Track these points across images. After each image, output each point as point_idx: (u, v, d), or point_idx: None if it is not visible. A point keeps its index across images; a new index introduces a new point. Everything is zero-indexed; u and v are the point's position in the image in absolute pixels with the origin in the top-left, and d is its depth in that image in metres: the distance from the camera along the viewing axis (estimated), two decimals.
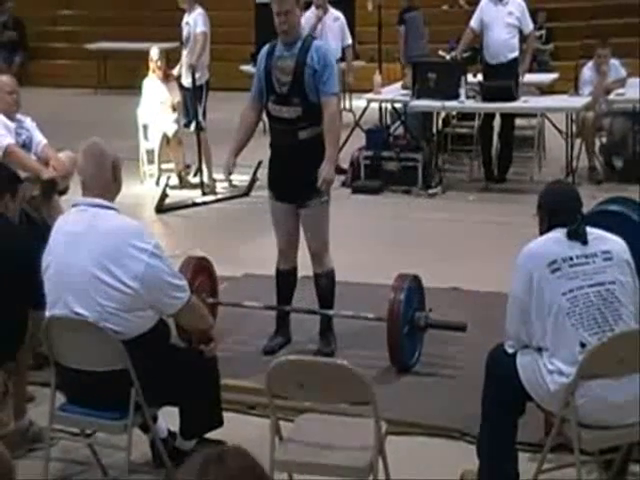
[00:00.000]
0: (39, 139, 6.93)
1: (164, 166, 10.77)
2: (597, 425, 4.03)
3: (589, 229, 4.19)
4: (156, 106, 10.61)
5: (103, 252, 4.21)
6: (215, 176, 10.40)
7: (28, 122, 6.96)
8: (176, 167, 10.73)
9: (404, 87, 11.01)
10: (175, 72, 10.76)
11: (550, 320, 4.06)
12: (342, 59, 11.34)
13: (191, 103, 10.36)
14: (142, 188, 10.64)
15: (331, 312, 6.11)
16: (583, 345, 4.01)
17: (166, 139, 10.57)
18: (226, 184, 10.01)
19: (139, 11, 19.24)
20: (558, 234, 4.18)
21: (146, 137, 10.77)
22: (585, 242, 4.14)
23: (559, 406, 4.03)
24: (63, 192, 6.69)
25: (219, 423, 4.70)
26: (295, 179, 5.83)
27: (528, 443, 4.61)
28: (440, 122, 11.02)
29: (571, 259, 4.10)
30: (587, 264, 4.10)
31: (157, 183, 10.60)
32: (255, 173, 10.13)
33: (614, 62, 10.69)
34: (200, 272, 6.14)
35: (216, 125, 10.92)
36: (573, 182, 9.23)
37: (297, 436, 4.06)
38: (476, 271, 7.41)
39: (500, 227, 8.76)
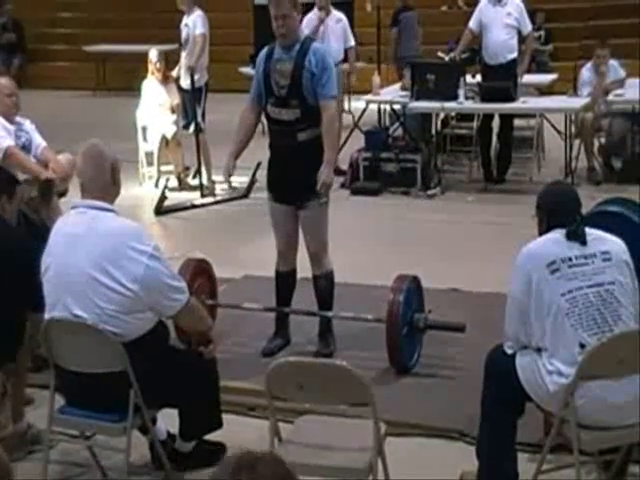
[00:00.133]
0: (38, 141, 6.93)
1: (163, 168, 10.77)
2: (596, 426, 4.03)
3: (588, 230, 4.19)
4: (155, 108, 10.61)
5: (102, 254, 4.21)
6: (214, 178, 10.40)
7: (27, 124, 6.97)
8: (175, 169, 10.74)
9: (403, 88, 11.01)
10: (174, 74, 10.76)
11: (549, 321, 4.06)
12: (345, 60, 11.36)
13: (190, 105, 10.36)
14: (141, 190, 10.65)
15: (330, 313, 6.11)
16: (582, 346, 4.01)
17: (165, 141, 10.57)
18: (225, 186, 9.99)
19: (138, 13, 19.25)
20: (557, 235, 4.18)
21: (145, 139, 10.77)
22: (584, 243, 4.14)
23: (558, 407, 4.03)
24: (62, 194, 6.69)
25: (218, 425, 4.70)
26: (294, 181, 5.83)
27: (527, 443, 4.61)
28: (439, 123, 11.02)
29: (570, 260, 4.10)
30: (586, 265, 4.10)
31: (156, 185, 10.60)
32: (254, 175, 10.12)
33: (613, 63, 10.69)
34: (199, 274, 6.14)
35: (215, 127, 10.92)
36: (572, 183, 9.23)
37: (296, 437, 4.06)
38: (475, 272, 7.41)
39: (499, 228, 8.76)
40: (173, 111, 10.62)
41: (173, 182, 10.62)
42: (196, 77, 10.16)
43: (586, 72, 10.68)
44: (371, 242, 8.53)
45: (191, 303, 4.46)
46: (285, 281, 6.16)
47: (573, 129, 10.46)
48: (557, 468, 4.32)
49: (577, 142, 10.51)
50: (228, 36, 16.36)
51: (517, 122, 11.00)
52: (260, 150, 6.41)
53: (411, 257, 7.62)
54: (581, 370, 3.95)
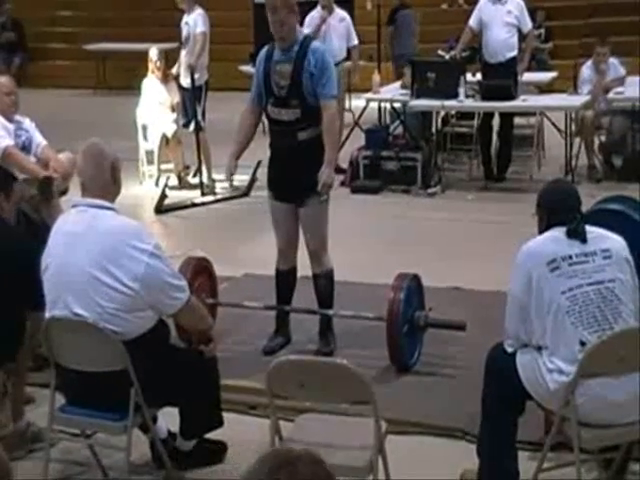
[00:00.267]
0: (39, 140, 6.93)
1: (163, 167, 10.77)
2: (597, 424, 4.03)
3: (588, 227, 4.19)
4: (155, 107, 10.60)
5: (102, 253, 4.21)
6: (214, 176, 10.41)
7: (27, 123, 6.97)
8: (175, 167, 10.74)
9: (403, 86, 11.01)
10: (174, 71, 10.75)
11: (550, 319, 4.06)
12: (347, 59, 11.37)
13: (190, 103, 10.36)
14: (141, 189, 10.65)
15: (331, 312, 6.11)
16: (583, 344, 4.01)
17: (165, 139, 10.57)
18: (226, 184, 10.00)
19: (138, 11, 19.23)
20: (557, 233, 4.18)
21: (145, 138, 10.77)
22: (584, 240, 4.14)
23: (559, 405, 4.03)
24: (63, 193, 6.69)
25: (219, 423, 4.70)
26: (295, 179, 5.84)
27: (528, 442, 4.61)
28: (439, 121, 11.01)
29: (570, 258, 4.10)
30: (586, 262, 4.10)
31: (156, 184, 10.60)
32: (254, 173, 10.13)
33: (613, 61, 10.69)
34: (200, 272, 6.15)
35: (215, 125, 10.92)
36: (572, 181, 9.23)
37: (297, 436, 4.06)
38: (475, 270, 7.41)
39: (499, 226, 8.76)
40: (173, 110, 10.62)
41: (173, 181, 10.62)
42: (196, 76, 10.16)
43: (586, 70, 10.68)
44: (371, 240, 8.53)
45: (192, 301, 4.46)
46: (285, 279, 6.16)
47: (573, 127, 10.46)
48: (558, 466, 4.32)
49: (577, 140, 10.51)
50: (228, 34, 16.35)
51: (517, 120, 11.00)
52: (260, 149, 6.42)
53: (411, 255, 7.61)
54: (581, 368, 3.95)
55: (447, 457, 4.84)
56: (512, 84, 10.09)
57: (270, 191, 6.06)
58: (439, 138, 10.92)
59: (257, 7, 13.02)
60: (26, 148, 6.85)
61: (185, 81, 10.37)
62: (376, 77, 11.31)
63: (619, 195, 6.08)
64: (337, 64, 10.91)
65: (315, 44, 5.85)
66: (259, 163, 9.30)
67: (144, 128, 10.75)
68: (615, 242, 4.21)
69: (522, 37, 10.58)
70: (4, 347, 4.71)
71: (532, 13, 11.81)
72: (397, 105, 11.01)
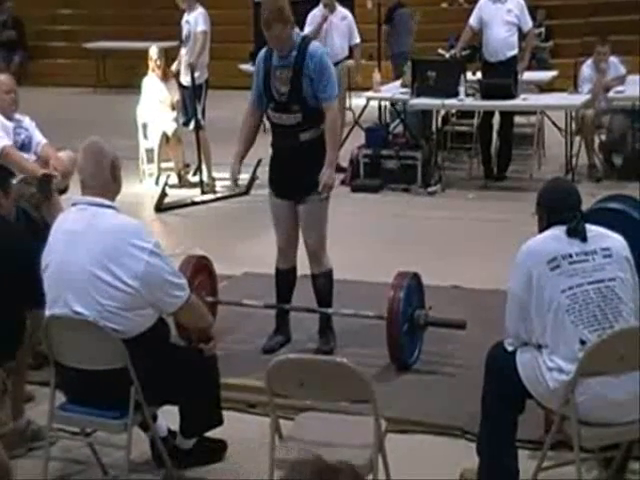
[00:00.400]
0: (39, 139, 6.93)
1: (163, 165, 10.77)
2: (597, 422, 4.03)
3: (588, 226, 4.18)
4: (155, 105, 10.60)
5: (103, 251, 4.21)
6: (214, 175, 10.41)
7: (27, 121, 6.96)
8: (175, 166, 10.74)
9: (403, 85, 11.01)
10: (173, 68, 10.75)
11: (550, 317, 4.05)
12: (349, 57, 11.37)
13: (190, 102, 10.36)
14: (141, 187, 10.65)
15: (331, 310, 6.11)
16: (583, 342, 4.01)
17: (165, 138, 10.57)
18: (225, 183, 10.00)
19: (138, 10, 19.24)
20: (557, 231, 4.17)
21: (145, 136, 10.77)
22: (584, 239, 4.14)
23: (559, 403, 4.03)
24: (63, 191, 6.69)
25: (219, 422, 4.70)
26: (296, 179, 5.85)
27: (528, 440, 4.61)
28: (439, 120, 11.01)
29: (570, 256, 4.09)
30: (587, 261, 4.10)
31: (156, 182, 10.60)
32: (255, 172, 10.13)
33: (613, 59, 10.69)
34: (200, 271, 6.14)
35: (215, 124, 10.93)
36: (572, 180, 9.23)
37: (297, 434, 4.07)
38: (475, 269, 7.41)
39: (499, 225, 8.76)
40: (173, 108, 10.62)
41: (173, 179, 10.63)
42: (196, 74, 10.16)
43: (586, 69, 10.67)
44: (371, 239, 8.54)
45: (192, 300, 4.46)
46: (285, 279, 6.16)
47: (573, 126, 10.46)
48: (557, 465, 4.32)
49: (577, 139, 10.51)
50: (228, 33, 16.35)
51: (517, 119, 10.99)
52: (261, 147, 6.41)
53: (411, 254, 7.61)
54: (581, 367, 3.95)
55: (447, 456, 4.83)
56: (512, 83, 10.09)
57: (271, 189, 6.06)
58: (439, 137, 10.92)
59: (257, 6, 12.99)
60: (26, 146, 6.85)
61: (185, 79, 10.37)
62: (376, 76, 11.30)
63: (619, 194, 6.08)
64: (338, 63, 10.97)
65: (313, 47, 5.80)
66: (259, 161, 9.30)
67: (144, 126, 10.75)
68: (615, 241, 4.21)
69: (522, 36, 10.58)
70: (4, 345, 4.70)
71: (532, 12, 11.82)
72: (397, 104, 11.00)
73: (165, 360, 4.40)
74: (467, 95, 10.19)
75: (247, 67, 12.98)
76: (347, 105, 12.51)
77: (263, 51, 5.91)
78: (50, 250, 4.37)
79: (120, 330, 4.22)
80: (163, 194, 9.90)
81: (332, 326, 6.14)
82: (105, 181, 4.39)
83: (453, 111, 11.20)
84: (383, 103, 11.44)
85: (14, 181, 5.56)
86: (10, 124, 6.78)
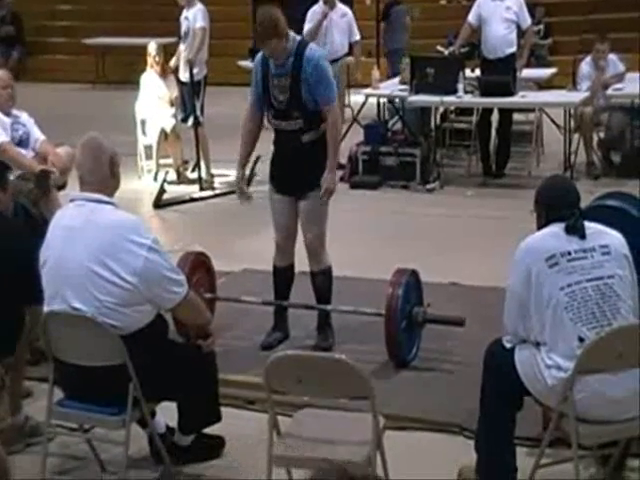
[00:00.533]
0: (37, 135, 6.93)
1: (162, 161, 10.76)
2: (595, 420, 4.03)
3: (587, 223, 4.18)
4: (154, 101, 10.59)
5: (101, 247, 4.21)
6: (213, 171, 10.40)
7: (25, 117, 6.96)
8: (174, 162, 10.73)
9: (402, 82, 11.00)
10: (171, 64, 10.74)
11: (548, 314, 4.05)
12: (349, 54, 11.37)
13: (189, 98, 10.35)
14: (140, 183, 10.63)
15: (329, 307, 6.11)
16: (581, 340, 4.01)
17: (164, 134, 10.56)
18: (224, 179, 10.00)
19: (137, 6, 19.22)
20: (556, 229, 4.17)
21: (144, 132, 10.75)
22: (583, 236, 4.14)
23: (557, 401, 4.03)
24: (62, 187, 6.69)
25: (217, 418, 4.70)
26: (298, 176, 5.86)
27: (526, 438, 4.61)
28: (438, 117, 11.00)
29: (569, 254, 4.09)
30: (585, 259, 4.10)
31: (155, 178, 10.59)
32: (253, 168, 10.09)
33: (612, 57, 10.68)
34: (198, 267, 6.14)
35: (214, 120, 10.92)
36: (571, 177, 9.24)
37: (296, 431, 4.07)
38: (474, 266, 7.41)
39: (498, 222, 8.76)
40: (172, 104, 10.61)
41: (172, 175, 10.61)
42: (195, 70, 10.14)
43: (585, 66, 10.66)
44: (370, 236, 8.53)
45: (190, 296, 4.46)
46: (283, 276, 6.15)
47: (572, 123, 10.44)
48: (555, 462, 4.32)
49: (576, 136, 10.50)
50: (227, 29, 16.34)
51: (516, 116, 10.99)
52: (259, 144, 6.40)
53: (410, 251, 7.61)
54: (580, 364, 3.95)
55: (445, 453, 4.83)
56: (511, 80, 10.08)
57: (272, 185, 6.05)
58: (438, 134, 10.92)
59: (256, 2, 13.04)
60: (23, 142, 6.84)
61: (184, 76, 10.36)
62: (375, 72, 11.30)
63: (618, 191, 6.09)
64: (338, 59, 10.98)
65: (310, 51, 5.74)
66: (258, 158, 9.26)
67: (143, 123, 10.74)
68: (614, 238, 4.21)
69: (521, 33, 10.58)
70: (3, 341, 4.70)
71: (531, 9, 11.80)
72: (396, 101, 10.99)
73: (163, 356, 4.40)
74: (466, 92, 10.18)
75: (246, 63, 12.99)
76: (346, 102, 12.51)
77: (260, 55, 5.89)
78: (48, 246, 4.37)
79: (118, 326, 4.22)
80: (162, 190, 9.90)
81: (331, 323, 6.14)
82: (103, 177, 4.39)
83: (452, 108, 11.21)
84: (382, 100, 11.44)
85: (12, 177, 5.57)
86: (8, 120, 6.77)
